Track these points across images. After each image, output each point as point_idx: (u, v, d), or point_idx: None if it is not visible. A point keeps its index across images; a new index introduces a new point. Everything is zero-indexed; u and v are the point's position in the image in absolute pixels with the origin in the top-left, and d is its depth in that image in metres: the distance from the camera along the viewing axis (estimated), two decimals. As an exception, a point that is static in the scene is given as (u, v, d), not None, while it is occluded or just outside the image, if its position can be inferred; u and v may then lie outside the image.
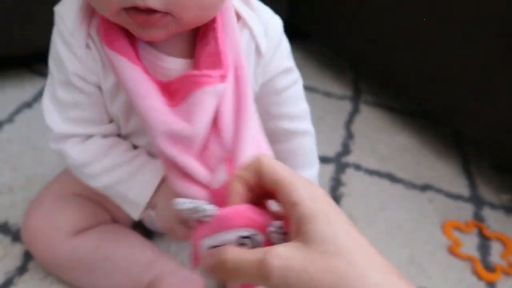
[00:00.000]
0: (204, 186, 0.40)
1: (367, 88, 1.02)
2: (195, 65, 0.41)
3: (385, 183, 0.77)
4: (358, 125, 0.90)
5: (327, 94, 0.98)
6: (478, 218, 0.73)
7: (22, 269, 0.54)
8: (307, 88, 0.96)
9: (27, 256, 0.55)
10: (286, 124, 0.50)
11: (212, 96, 0.39)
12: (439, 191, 0.77)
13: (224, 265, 0.27)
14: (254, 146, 0.41)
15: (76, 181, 0.51)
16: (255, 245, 0.29)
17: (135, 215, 0.46)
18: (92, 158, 0.44)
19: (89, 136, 0.45)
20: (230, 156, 0.40)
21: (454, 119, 0.81)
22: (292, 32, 1.01)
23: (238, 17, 0.44)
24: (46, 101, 0.44)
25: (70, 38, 0.40)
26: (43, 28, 0.77)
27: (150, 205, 0.45)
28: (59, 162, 0.69)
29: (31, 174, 0.67)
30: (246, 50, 0.44)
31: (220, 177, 0.40)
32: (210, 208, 0.29)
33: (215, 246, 0.29)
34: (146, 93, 0.39)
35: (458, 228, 0.70)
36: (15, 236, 0.57)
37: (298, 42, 1.10)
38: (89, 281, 0.51)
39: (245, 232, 0.29)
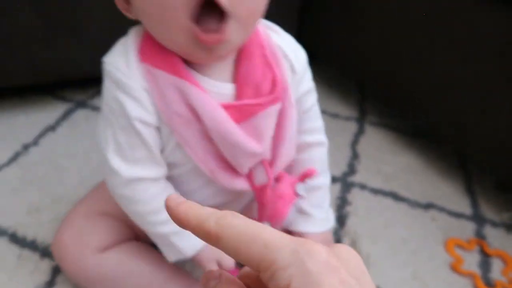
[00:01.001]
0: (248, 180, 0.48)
1: (372, 109, 1.06)
2: (239, 88, 0.45)
3: (389, 202, 0.80)
4: (364, 146, 0.94)
5: (334, 116, 1.02)
6: (480, 236, 0.76)
7: (50, 284, 0.58)
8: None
9: (55, 271, 0.59)
10: (309, 138, 0.56)
11: (272, 116, 0.46)
12: (442, 209, 0.80)
13: None
14: (290, 148, 0.49)
15: (103, 201, 0.55)
16: None
17: (172, 259, 0.50)
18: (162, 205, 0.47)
19: (155, 180, 0.47)
20: (267, 159, 0.49)
21: (457, 139, 0.83)
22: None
23: None
24: (108, 149, 0.45)
25: (128, 81, 0.42)
26: (66, 55, 0.83)
27: (192, 258, 0.50)
28: (80, 182, 0.73)
29: (56, 194, 0.71)
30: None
31: (260, 176, 0.49)
32: None
33: None
34: (219, 114, 0.43)
35: (460, 246, 0.73)
36: (44, 252, 0.62)
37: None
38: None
39: None
